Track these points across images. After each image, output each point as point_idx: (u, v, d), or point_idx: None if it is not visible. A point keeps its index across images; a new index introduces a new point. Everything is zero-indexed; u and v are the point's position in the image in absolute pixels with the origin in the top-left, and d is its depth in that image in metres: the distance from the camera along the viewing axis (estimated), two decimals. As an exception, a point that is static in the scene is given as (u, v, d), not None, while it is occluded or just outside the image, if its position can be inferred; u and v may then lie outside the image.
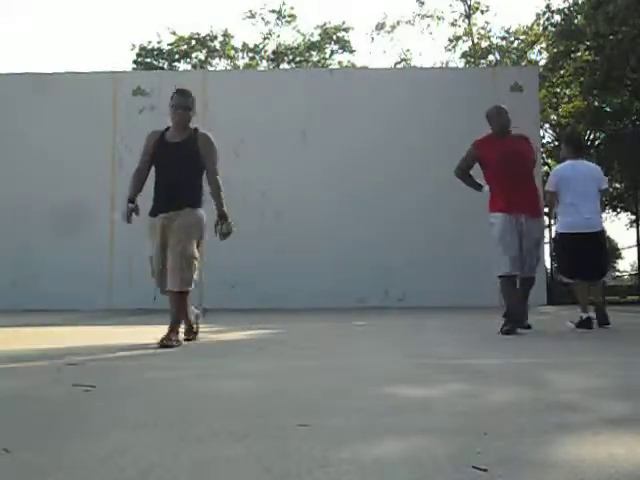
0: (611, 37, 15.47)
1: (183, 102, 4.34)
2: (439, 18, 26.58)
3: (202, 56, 27.97)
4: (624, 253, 29.63)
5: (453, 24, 26.19)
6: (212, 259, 11.73)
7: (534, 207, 4.88)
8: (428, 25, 30.33)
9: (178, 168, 4.16)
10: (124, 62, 50.07)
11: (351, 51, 28.74)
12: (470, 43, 25.61)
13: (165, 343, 3.80)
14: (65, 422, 1.72)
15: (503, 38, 25.16)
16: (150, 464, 1.27)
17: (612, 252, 28.63)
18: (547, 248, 16.16)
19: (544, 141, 21.04)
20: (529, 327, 4.87)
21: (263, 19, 27.86)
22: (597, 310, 5.28)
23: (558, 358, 3.25)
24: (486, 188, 4.96)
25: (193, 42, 27.56)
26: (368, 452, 1.36)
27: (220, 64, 28.30)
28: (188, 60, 27.80)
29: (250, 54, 28.13)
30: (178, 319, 4.06)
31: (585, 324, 5.08)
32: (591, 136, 20.87)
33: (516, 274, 4.73)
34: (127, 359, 3.33)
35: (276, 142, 11.79)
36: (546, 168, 21.10)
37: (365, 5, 53.09)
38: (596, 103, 18.63)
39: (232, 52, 28.02)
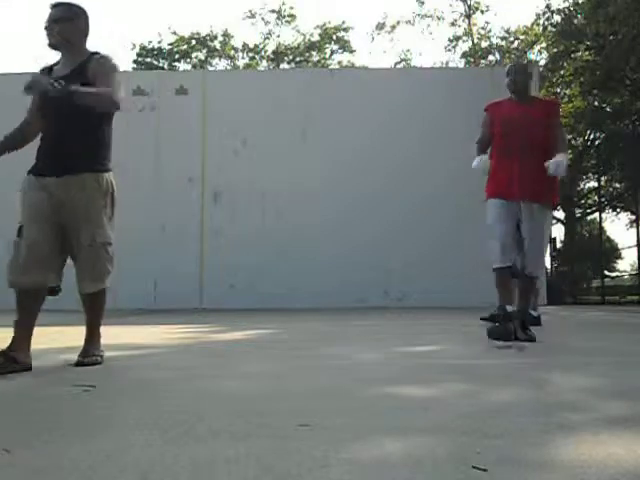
0: (611, 37, 15.47)
1: (55, 15, 2.99)
2: (439, 18, 26.62)
3: (202, 56, 28.00)
4: (624, 253, 29.59)
5: (453, 24, 26.23)
6: (212, 259, 11.76)
7: (537, 190, 4.02)
8: (428, 25, 30.52)
9: (65, 113, 2.89)
10: (124, 62, 50.03)
11: (351, 51, 28.80)
12: (470, 43, 25.62)
13: (86, 362, 2.84)
14: (65, 422, 1.72)
15: (503, 38, 25.18)
16: (150, 464, 1.27)
17: (612, 252, 28.61)
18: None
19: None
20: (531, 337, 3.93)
21: (263, 19, 27.91)
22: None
23: (558, 358, 3.25)
24: (477, 162, 4.14)
25: (193, 42, 27.60)
26: (368, 452, 1.36)
27: (220, 64, 28.34)
28: (188, 60, 27.83)
29: (250, 54, 28.16)
30: (96, 327, 3.03)
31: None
32: (591, 136, 20.88)
33: (509, 265, 4.04)
34: (127, 359, 3.33)
35: (276, 142, 11.79)
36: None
37: (365, 5, 53.15)
38: (596, 103, 18.63)
39: (232, 52, 28.05)
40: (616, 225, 73.12)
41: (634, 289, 18.17)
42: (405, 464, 1.25)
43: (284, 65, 27.55)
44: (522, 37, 24.09)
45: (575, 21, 17.41)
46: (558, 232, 22.44)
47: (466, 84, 11.85)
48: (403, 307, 10.70)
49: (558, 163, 3.89)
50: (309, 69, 23.28)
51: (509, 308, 4.01)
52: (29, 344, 2.77)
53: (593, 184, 21.93)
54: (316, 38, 28.41)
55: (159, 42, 27.43)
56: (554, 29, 18.93)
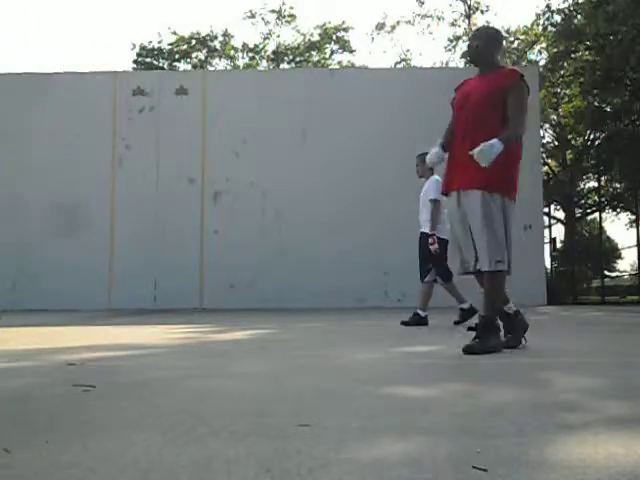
0: (611, 37, 15.47)
1: None
2: (439, 18, 26.65)
3: (202, 56, 28.02)
4: (624, 253, 29.61)
5: (453, 24, 26.27)
6: (212, 259, 11.75)
7: (468, 175, 3.40)
8: (428, 25, 30.53)
9: None
10: (124, 62, 50.12)
11: (351, 51, 28.82)
12: (470, 43, 25.61)
13: None
14: (65, 422, 1.72)
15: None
16: (150, 464, 1.27)
17: (612, 252, 28.60)
18: (547, 247, 16.17)
19: (544, 141, 21.04)
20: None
21: (263, 19, 27.94)
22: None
23: (558, 358, 3.25)
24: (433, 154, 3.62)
25: (193, 42, 27.61)
26: (368, 452, 1.36)
27: (220, 64, 28.36)
28: (188, 60, 27.84)
29: (250, 54, 28.18)
30: None
31: (424, 321, 5.93)
32: (591, 136, 20.87)
33: (468, 272, 3.66)
34: (127, 359, 3.33)
35: (276, 142, 11.79)
36: (546, 168, 21.10)
37: (365, 5, 53.17)
38: (596, 103, 18.63)
39: (232, 52, 28.06)
40: (616, 225, 73.17)
41: (634, 289, 18.17)
42: (405, 464, 1.25)
43: (284, 65, 27.56)
44: (522, 37, 24.10)
45: (575, 21, 17.41)
46: (558, 232, 22.45)
47: (466, 84, 11.85)
48: (403, 307, 10.69)
49: (480, 147, 3.22)
50: (309, 69, 23.28)
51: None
52: None
53: (593, 184, 21.93)
54: (316, 38, 28.43)
55: (159, 42, 27.47)
56: (554, 29, 18.93)
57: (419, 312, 5.97)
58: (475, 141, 3.29)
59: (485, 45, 3.57)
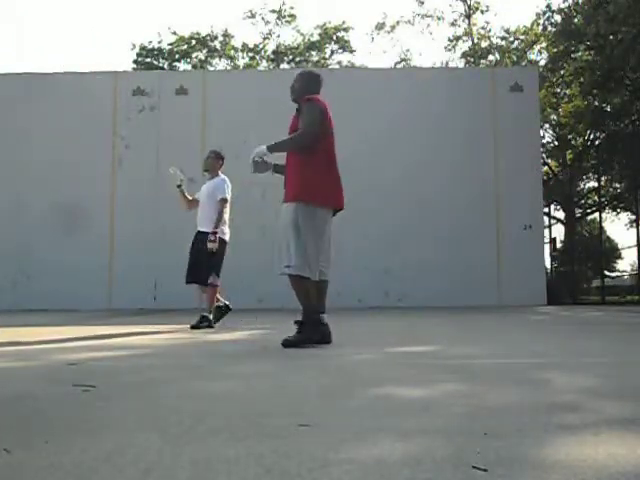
0: (611, 37, 15.46)
1: None
2: (439, 18, 26.67)
3: (202, 56, 28.01)
4: (624, 253, 29.62)
5: (453, 24, 26.28)
6: (212, 259, 11.76)
7: (286, 189, 4.30)
8: (428, 25, 30.57)
9: None
10: (124, 62, 50.14)
11: (351, 51, 28.83)
12: (470, 43, 25.65)
13: None
14: (65, 422, 1.72)
15: (503, 38, 25.20)
16: (150, 464, 1.27)
17: (612, 252, 28.57)
18: (547, 248, 16.17)
19: (544, 141, 21.02)
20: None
21: (263, 19, 27.94)
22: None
23: (558, 358, 3.25)
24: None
25: (193, 42, 27.61)
26: (368, 452, 1.36)
27: (220, 64, 28.35)
28: (188, 60, 27.84)
29: (250, 54, 28.18)
30: None
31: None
32: (591, 136, 20.86)
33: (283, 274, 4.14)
34: (127, 359, 3.33)
35: (276, 142, 11.79)
36: (546, 168, 21.09)
37: (365, 5, 53.18)
38: (596, 103, 18.63)
39: (232, 52, 28.06)
40: (616, 225, 73.19)
41: (634, 289, 18.17)
42: (405, 464, 1.25)
43: (284, 65, 27.56)
44: (522, 37, 24.10)
45: (575, 21, 17.41)
46: (558, 232, 22.44)
47: (466, 84, 11.85)
48: (403, 307, 10.69)
49: None
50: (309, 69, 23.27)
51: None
52: None
53: (593, 184, 21.92)
54: (316, 38, 28.43)
55: (159, 42, 27.46)
56: (554, 29, 18.94)
57: (207, 314, 5.73)
58: (290, 162, 4.30)
59: (300, 85, 4.41)
